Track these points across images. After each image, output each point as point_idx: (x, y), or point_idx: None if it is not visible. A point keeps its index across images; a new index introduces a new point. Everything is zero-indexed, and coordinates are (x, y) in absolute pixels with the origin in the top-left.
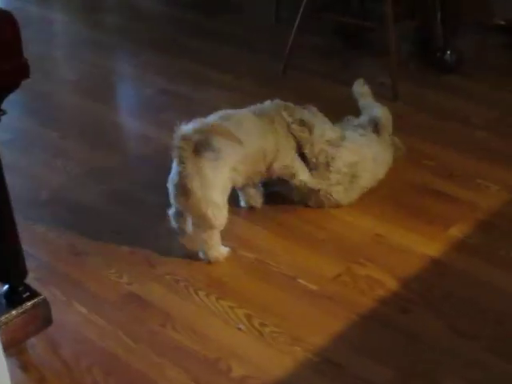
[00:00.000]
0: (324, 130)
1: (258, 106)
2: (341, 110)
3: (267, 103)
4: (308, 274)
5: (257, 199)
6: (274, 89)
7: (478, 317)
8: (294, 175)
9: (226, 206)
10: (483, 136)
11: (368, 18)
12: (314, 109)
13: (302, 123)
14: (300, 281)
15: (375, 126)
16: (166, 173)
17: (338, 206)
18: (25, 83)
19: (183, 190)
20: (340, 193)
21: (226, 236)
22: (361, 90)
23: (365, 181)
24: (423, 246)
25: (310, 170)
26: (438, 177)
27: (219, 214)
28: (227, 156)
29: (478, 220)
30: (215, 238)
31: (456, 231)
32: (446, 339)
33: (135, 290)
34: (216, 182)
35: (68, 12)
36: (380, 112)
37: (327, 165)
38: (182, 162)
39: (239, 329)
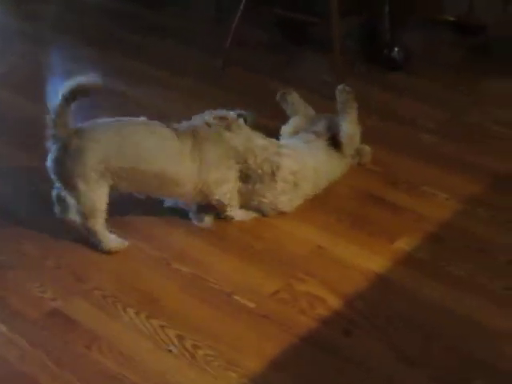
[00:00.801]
0: (252, 136)
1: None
2: (282, 109)
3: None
4: (245, 289)
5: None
6: (213, 86)
7: (425, 342)
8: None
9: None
10: (431, 139)
11: (314, 12)
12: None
13: (222, 118)
14: (236, 297)
15: (334, 138)
16: None
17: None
18: None
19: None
20: (285, 203)
21: (161, 247)
22: (343, 97)
23: (306, 190)
24: (367, 260)
25: (254, 182)
26: (384, 184)
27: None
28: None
29: (425, 232)
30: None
31: (402, 244)
32: (390, 366)
33: (59, 307)
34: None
35: None
36: (346, 130)
37: (273, 174)
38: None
39: (170, 351)
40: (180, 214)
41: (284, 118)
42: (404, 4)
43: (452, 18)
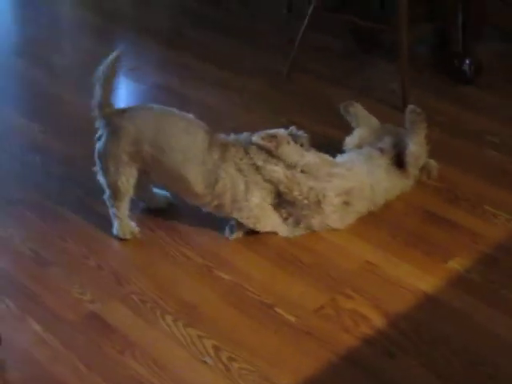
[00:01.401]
0: (304, 153)
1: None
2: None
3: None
4: (287, 302)
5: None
6: (276, 91)
7: (471, 369)
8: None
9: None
10: (498, 157)
11: (386, 18)
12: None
13: (272, 136)
14: (278, 310)
15: (399, 156)
16: None
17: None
18: None
19: None
20: (336, 220)
21: (205, 254)
22: (413, 118)
23: (361, 208)
24: (417, 279)
25: (301, 209)
26: (443, 200)
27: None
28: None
29: (481, 253)
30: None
31: (455, 264)
32: None
33: (97, 310)
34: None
35: None
36: (413, 150)
37: (318, 203)
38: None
39: (205, 362)
40: (227, 222)
41: (348, 129)
42: (479, 14)
43: None
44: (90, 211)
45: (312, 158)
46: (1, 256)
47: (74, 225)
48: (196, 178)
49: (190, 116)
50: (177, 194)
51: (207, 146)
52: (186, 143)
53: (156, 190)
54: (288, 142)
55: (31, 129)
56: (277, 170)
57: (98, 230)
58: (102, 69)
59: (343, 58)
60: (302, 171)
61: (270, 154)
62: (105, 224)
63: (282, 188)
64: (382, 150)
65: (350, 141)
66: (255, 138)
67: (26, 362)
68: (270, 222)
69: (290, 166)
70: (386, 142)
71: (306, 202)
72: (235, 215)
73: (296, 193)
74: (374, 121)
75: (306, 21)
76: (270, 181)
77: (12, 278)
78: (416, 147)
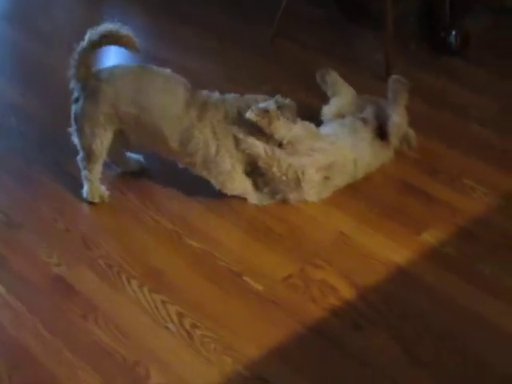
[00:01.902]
0: (291, 126)
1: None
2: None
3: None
4: (256, 271)
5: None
6: (259, 58)
7: (438, 343)
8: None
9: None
10: (479, 130)
11: None
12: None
13: (264, 112)
14: (245, 279)
15: (380, 127)
16: None
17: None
18: None
19: None
20: (313, 195)
21: (175, 220)
22: (397, 87)
23: (339, 182)
24: (391, 251)
25: (280, 184)
26: (422, 172)
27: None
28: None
29: (456, 226)
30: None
31: (430, 237)
32: (397, 367)
33: (63, 273)
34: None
35: None
36: (395, 120)
37: (298, 180)
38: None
39: (167, 328)
40: (200, 189)
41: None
42: None
43: None
44: (63, 174)
45: (298, 130)
46: None
47: (47, 187)
48: (172, 134)
49: (169, 71)
50: (152, 149)
51: (186, 104)
52: (165, 100)
53: (129, 154)
54: (278, 118)
55: (10, 91)
56: (257, 145)
57: (70, 193)
58: (96, 32)
59: (327, 28)
60: (287, 143)
61: (260, 130)
62: (77, 187)
63: (260, 163)
64: (364, 121)
65: (327, 110)
66: (249, 114)
67: None
68: (240, 186)
69: (276, 141)
70: (369, 113)
71: (284, 178)
72: (204, 174)
73: (275, 169)
74: (351, 90)
75: None
76: (247, 153)
77: None
78: (399, 118)
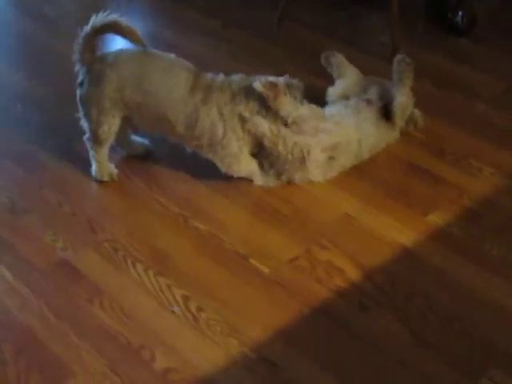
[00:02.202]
0: (296, 107)
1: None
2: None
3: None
4: (262, 253)
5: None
6: (265, 41)
7: (445, 324)
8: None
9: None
10: (486, 110)
11: None
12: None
13: (273, 85)
14: (251, 261)
15: (385, 107)
16: None
17: None
18: None
19: None
20: (319, 175)
21: (181, 203)
22: (402, 67)
23: (345, 162)
24: (396, 232)
25: (285, 164)
26: (428, 153)
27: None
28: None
29: (463, 207)
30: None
31: (436, 218)
32: (404, 348)
33: (68, 257)
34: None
35: None
36: (400, 101)
37: (303, 158)
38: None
39: (173, 311)
40: (206, 171)
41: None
42: None
43: None
44: (69, 160)
45: (304, 110)
46: None
47: (52, 173)
48: (177, 118)
49: (173, 56)
50: (159, 132)
51: (190, 87)
52: (169, 85)
53: (135, 137)
54: (285, 93)
55: (16, 78)
56: (262, 124)
57: (75, 177)
58: (100, 20)
59: (333, 9)
60: (292, 123)
61: (265, 103)
62: (83, 172)
63: (266, 142)
64: (368, 102)
65: (332, 92)
66: (256, 84)
67: None
68: (246, 168)
69: (282, 118)
70: (373, 93)
71: (289, 157)
72: (210, 157)
73: (280, 147)
74: (356, 71)
75: None
76: (253, 134)
77: None
78: (404, 98)
